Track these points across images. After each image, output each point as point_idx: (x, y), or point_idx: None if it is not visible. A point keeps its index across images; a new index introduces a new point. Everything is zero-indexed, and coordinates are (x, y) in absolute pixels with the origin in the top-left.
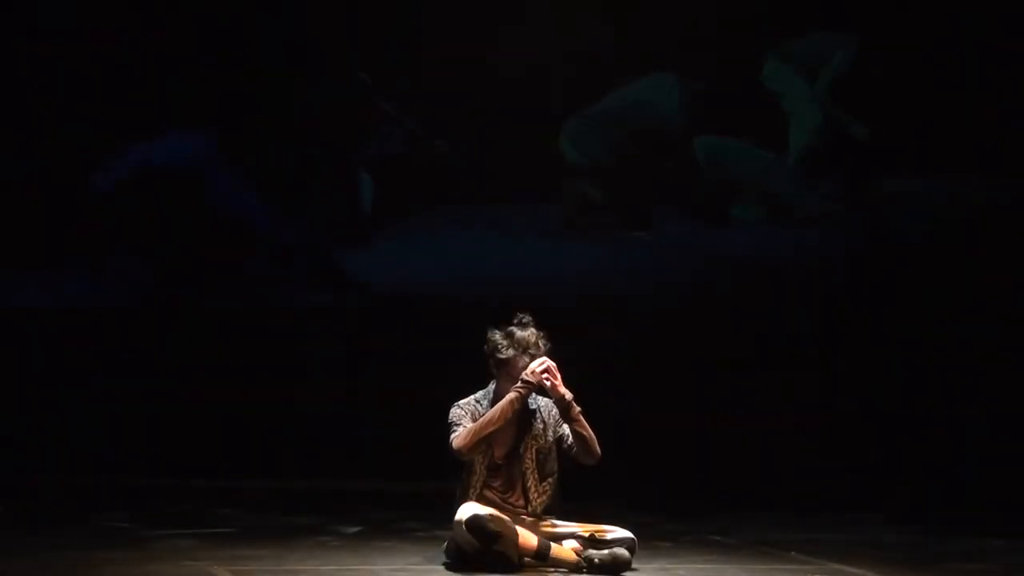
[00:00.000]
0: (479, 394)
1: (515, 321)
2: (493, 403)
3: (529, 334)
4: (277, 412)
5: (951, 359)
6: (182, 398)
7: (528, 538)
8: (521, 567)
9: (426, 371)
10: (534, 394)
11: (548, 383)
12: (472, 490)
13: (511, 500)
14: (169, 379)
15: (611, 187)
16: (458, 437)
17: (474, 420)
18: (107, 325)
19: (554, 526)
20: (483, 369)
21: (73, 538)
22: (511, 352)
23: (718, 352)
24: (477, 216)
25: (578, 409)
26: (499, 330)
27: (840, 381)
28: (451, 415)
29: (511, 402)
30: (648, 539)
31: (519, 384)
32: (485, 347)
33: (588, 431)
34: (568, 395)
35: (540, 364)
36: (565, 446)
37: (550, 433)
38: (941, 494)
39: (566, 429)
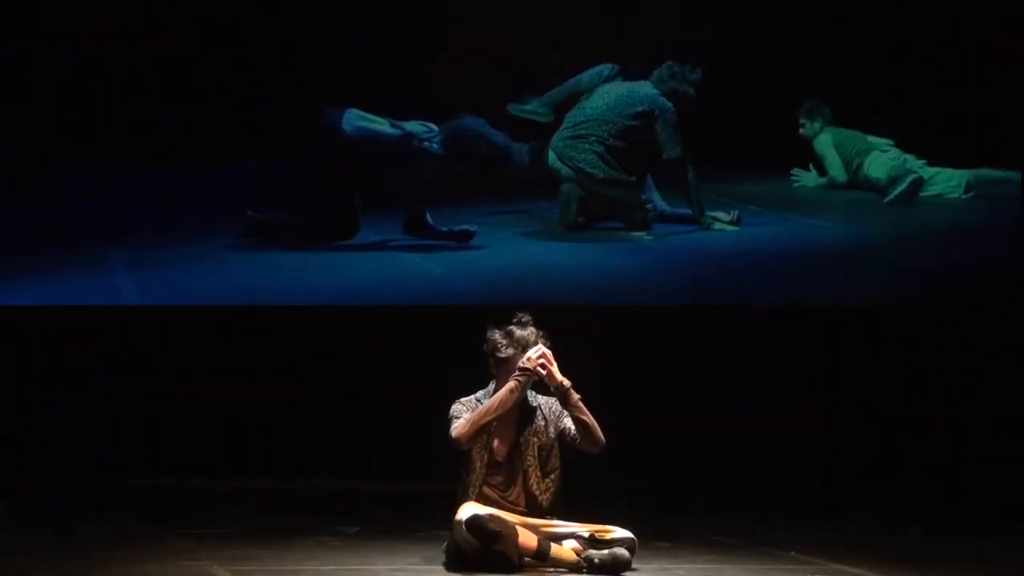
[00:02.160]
0: (479, 393)
1: (514, 320)
2: None
3: (528, 333)
4: (277, 412)
5: (951, 358)
6: (182, 398)
7: (528, 538)
8: (521, 567)
9: (426, 370)
10: (534, 392)
11: (544, 371)
12: (472, 488)
13: (511, 498)
14: (169, 379)
15: (609, 189)
16: (457, 427)
17: None
18: (107, 324)
19: (554, 526)
20: (483, 369)
21: (73, 538)
22: (511, 351)
23: (719, 352)
24: (477, 215)
25: (577, 396)
26: (499, 329)
27: (840, 381)
28: (452, 410)
29: (510, 391)
30: (648, 539)
31: (516, 373)
32: (485, 346)
33: (589, 417)
34: (566, 382)
35: (536, 352)
36: (568, 439)
37: (551, 429)
38: (941, 494)
39: (566, 423)
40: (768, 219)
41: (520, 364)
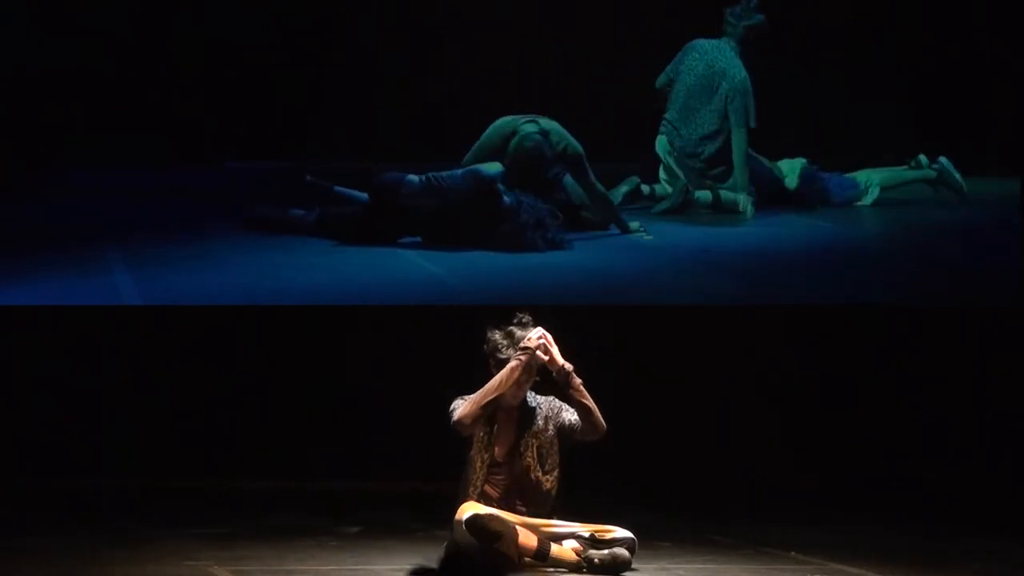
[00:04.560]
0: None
1: (515, 321)
2: None
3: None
4: (277, 412)
5: (950, 358)
6: (182, 398)
7: (528, 538)
8: (521, 567)
9: (426, 370)
10: (533, 393)
11: (546, 356)
12: (473, 488)
13: (512, 497)
14: (169, 379)
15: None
16: (460, 410)
17: None
18: (107, 324)
19: (554, 526)
20: (483, 368)
21: (73, 538)
22: (511, 352)
23: (719, 351)
24: None
25: (579, 380)
26: (499, 330)
27: (839, 380)
28: (452, 405)
29: (511, 370)
30: (648, 539)
31: (518, 352)
32: (485, 347)
33: (590, 401)
34: (567, 366)
35: (536, 333)
36: (568, 430)
37: (551, 428)
38: (940, 494)
39: (566, 417)
40: (768, 219)
41: (522, 344)
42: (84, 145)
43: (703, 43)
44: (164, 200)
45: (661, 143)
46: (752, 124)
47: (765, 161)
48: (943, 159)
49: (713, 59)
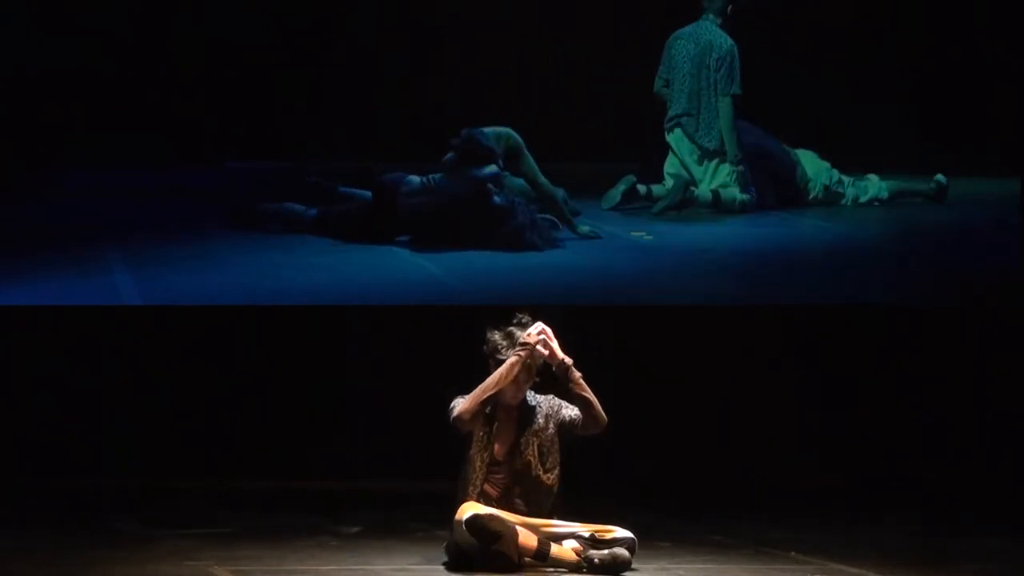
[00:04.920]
0: None
1: (514, 321)
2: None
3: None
4: (277, 412)
5: (951, 358)
6: (182, 398)
7: (528, 538)
8: (521, 567)
9: (426, 370)
10: (533, 392)
11: (546, 349)
12: (473, 487)
13: (512, 496)
14: (169, 379)
15: None
16: (459, 406)
17: None
18: (107, 324)
19: (554, 526)
20: (483, 369)
21: (73, 538)
22: (510, 352)
23: (719, 352)
24: None
25: (578, 373)
26: (498, 330)
27: (838, 379)
28: (452, 403)
29: (511, 365)
30: (648, 539)
31: (517, 348)
32: (484, 347)
33: (590, 394)
34: (567, 360)
35: (536, 328)
36: (568, 426)
37: (551, 426)
38: (941, 493)
39: (566, 413)
40: (768, 219)
41: (520, 340)
42: (84, 145)
43: (684, 29)
44: (164, 200)
45: (676, 135)
46: (736, 91)
47: (789, 153)
48: (940, 176)
49: (699, 37)
